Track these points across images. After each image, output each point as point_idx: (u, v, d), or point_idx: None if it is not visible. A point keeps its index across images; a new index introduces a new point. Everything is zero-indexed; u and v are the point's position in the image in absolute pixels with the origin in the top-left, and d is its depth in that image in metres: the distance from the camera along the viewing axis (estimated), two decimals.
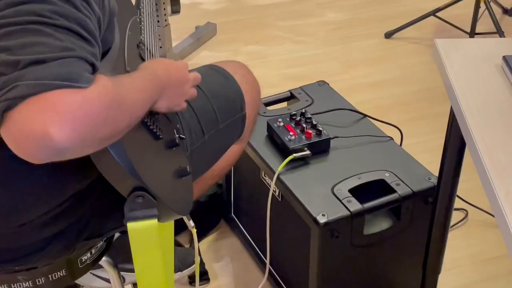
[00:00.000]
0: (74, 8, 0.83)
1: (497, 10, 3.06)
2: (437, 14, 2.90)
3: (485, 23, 2.87)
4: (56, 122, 0.73)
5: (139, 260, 1.08)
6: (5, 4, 0.79)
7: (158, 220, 1.03)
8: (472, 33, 2.80)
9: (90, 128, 0.77)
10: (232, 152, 1.39)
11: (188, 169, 1.15)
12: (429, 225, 1.45)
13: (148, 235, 1.04)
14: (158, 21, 2.52)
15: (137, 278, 1.11)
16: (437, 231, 1.43)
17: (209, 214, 1.99)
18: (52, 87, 0.74)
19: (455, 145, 1.31)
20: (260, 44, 2.97)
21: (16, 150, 0.76)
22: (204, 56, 2.88)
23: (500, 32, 2.73)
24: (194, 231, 1.29)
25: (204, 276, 1.83)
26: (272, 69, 2.78)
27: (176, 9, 2.65)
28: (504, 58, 1.15)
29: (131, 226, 1.02)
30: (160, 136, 1.10)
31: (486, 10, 2.78)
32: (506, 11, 3.17)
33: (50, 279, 1.21)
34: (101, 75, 0.81)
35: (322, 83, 1.93)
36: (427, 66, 2.82)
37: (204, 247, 1.94)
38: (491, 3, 2.81)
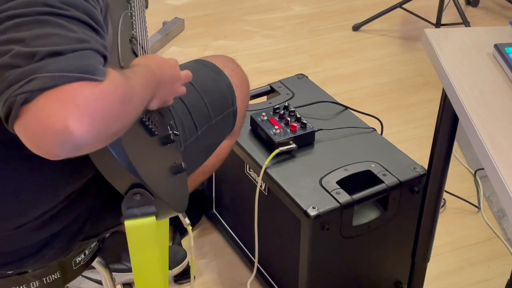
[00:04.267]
0: None
1: (460, 1, 3.11)
2: (403, 6, 2.94)
3: (450, 14, 2.91)
4: (77, 116, 0.71)
5: (136, 258, 1.06)
6: None
7: (155, 218, 1.01)
8: (438, 24, 2.84)
9: (106, 122, 0.75)
10: (223, 148, 1.38)
11: (183, 166, 1.14)
12: (418, 213, 1.46)
13: (146, 233, 1.02)
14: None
15: (135, 276, 1.09)
16: (426, 219, 1.45)
17: (190, 210, 1.96)
18: (71, 80, 0.72)
19: (445, 134, 1.33)
20: (229, 39, 2.95)
21: (33, 145, 0.73)
22: (173, 52, 2.84)
23: (466, 23, 2.78)
24: (189, 228, 1.27)
25: (189, 273, 1.81)
26: (243, 64, 2.71)
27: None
28: (496, 46, 1.17)
29: (128, 224, 1.00)
30: (156, 133, 1.09)
31: (451, 1, 2.82)
32: (469, 2, 3.23)
33: (45, 282, 1.18)
34: (111, 69, 0.79)
35: (301, 76, 1.93)
36: (396, 58, 2.85)
37: (187, 244, 1.92)
38: None
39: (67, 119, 0.70)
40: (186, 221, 1.26)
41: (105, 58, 0.79)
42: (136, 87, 0.87)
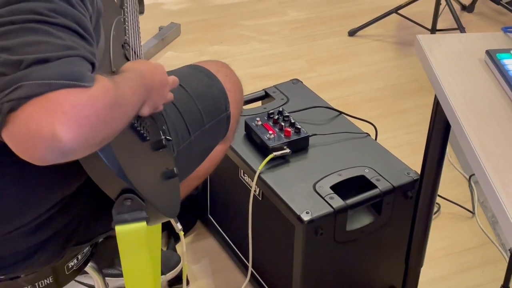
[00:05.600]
0: (70, 5, 0.81)
1: (456, 7, 3.12)
2: (399, 11, 2.94)
3: (446, 20, 2.92)
4: (64, 123, 0.71)
5: (127, 263, 1.06)
6: (1, 3, 0.77)
7: (146, 223, 1.01)
8: (433, 30, 2.84)
9: (94, 128, 0.75)
10: (217, 153, 1.38)
11: (175, 171, 1.14)
12: (411, 219, 1.47)
13: (137, 238, 1.02)
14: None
15: (126, 281, 1.09)
16: (420, 224, 1.45)
17: (184, 215, 1.96)
18: (58, 87, 0.72)
19: (438, 140, 1.33)
20: (225, 44, 2.96)
21: (21, 152, 0.74)
22: (169, 57, 2.85)
23: (461, 28, 2.79)
24: (181, 234, 1.27)
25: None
26: (238, 69, 2.72)
27: (140, 10, 2.61)
28: (487, 52, 1.18)
29: (119, 229, 1.00)
30: (147, 138, 1.09)
31: (447, 7, 2.83)
32: (464, 8, 3.24)
33: (37, 287, 1.18)
34: (99, 75, 0.80)
35: (296, 81, 1.93)
36: (391, 63, 2.86)
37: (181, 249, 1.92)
38: (451, 0, 2.87)
39: (54, 125, 0.71)
40: (178, 226, 1.25)
41: (93, 65, 0.79)
42: (127, 92, 0.87)
